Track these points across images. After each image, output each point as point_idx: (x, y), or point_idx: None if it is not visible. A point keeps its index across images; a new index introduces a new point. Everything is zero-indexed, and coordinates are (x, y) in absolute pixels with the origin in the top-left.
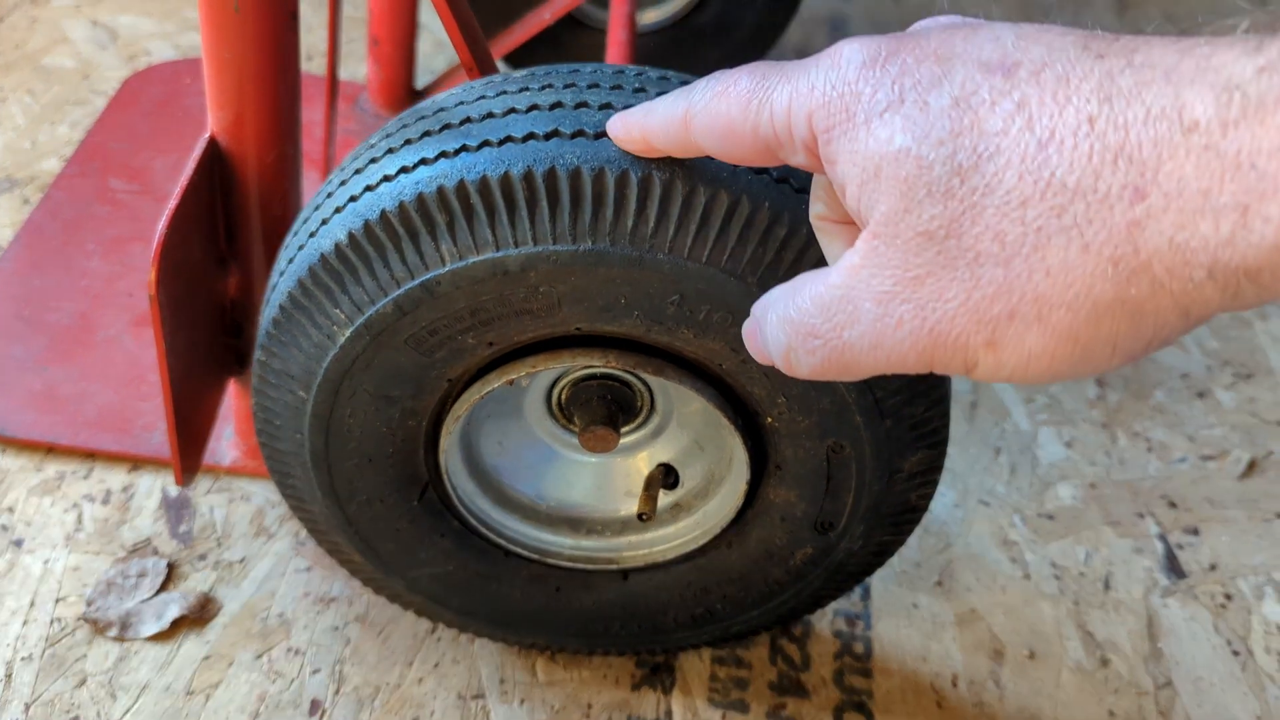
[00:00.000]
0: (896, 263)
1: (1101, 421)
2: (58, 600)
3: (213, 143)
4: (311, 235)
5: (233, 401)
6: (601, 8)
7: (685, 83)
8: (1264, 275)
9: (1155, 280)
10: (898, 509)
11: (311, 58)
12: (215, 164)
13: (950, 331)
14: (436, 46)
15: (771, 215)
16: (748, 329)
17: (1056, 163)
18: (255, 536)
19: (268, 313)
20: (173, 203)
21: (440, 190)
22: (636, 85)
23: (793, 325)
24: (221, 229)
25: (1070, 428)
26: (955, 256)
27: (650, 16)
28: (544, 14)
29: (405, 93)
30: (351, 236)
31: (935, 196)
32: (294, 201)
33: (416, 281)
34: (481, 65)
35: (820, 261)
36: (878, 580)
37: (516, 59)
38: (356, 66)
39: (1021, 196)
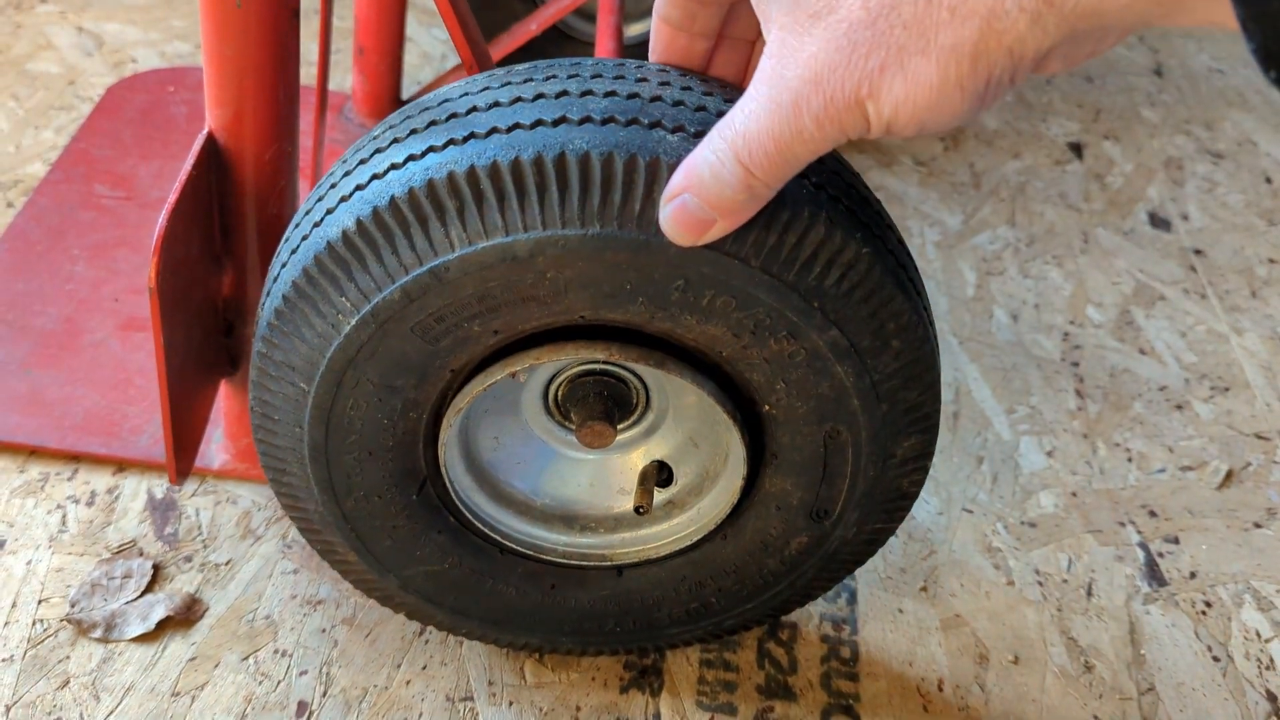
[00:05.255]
0: (796, 46)
1: (1082, 432)
2: (40, 601)
3: (211, 139)
4: (316, 225)
5: (222, 404)
6: (587, 21)
7: (684, 74)
8: None
9: (982, 21)
10: (891, 495)
11: None
12: (213, 161)
13: (842, 91)
14: (422, 59)
15: (775, 198)
16: (669, 190)
17: None
18: (242, 538)
19: (269, 304)
20: (173, 196)
21: (451, 176)
22: (639, 75)
23: (736, 141)
24: (217, 226)
25: (1051, 438)
26: (835, 28)
27: (634, 30)
28: (530, 25)
29: (391, 103)
30: (360, 224)
31: None
32: (290, 200)
33: (425, 268)
34: (481, 65)
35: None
36: (863, 585)
37: None
38: (341, 77)
39: None
